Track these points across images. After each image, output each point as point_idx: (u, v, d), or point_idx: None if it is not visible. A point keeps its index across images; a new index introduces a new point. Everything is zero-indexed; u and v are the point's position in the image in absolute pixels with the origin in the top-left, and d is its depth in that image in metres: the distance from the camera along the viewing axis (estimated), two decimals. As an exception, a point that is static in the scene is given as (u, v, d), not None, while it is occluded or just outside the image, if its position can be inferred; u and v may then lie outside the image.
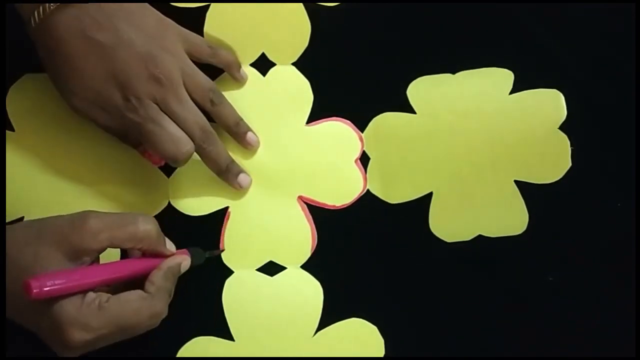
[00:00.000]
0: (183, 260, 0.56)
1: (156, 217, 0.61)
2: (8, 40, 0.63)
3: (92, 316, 0.49)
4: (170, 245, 0.56)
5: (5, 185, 0.61)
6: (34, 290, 0.46)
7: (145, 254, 0.54)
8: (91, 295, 0.50)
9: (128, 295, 0.51)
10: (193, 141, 0.59)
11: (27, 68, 0.64)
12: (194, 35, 0.62)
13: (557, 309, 0.63)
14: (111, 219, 0.51)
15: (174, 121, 0.58)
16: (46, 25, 0.56)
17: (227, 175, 0.62)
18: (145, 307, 0.51)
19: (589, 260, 0.64)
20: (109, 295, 0.50)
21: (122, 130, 0.60)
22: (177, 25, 0.61)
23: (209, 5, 0.66)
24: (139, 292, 0.51)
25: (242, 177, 0.63)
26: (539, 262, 0.64)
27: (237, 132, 0.63)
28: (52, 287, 0.47)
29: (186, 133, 0.58)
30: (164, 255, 0.55)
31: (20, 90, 0.63)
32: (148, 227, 0.53)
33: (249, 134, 0.63)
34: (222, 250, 0.62)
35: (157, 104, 0.57)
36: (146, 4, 0.60)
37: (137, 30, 0.57)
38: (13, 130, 0.63)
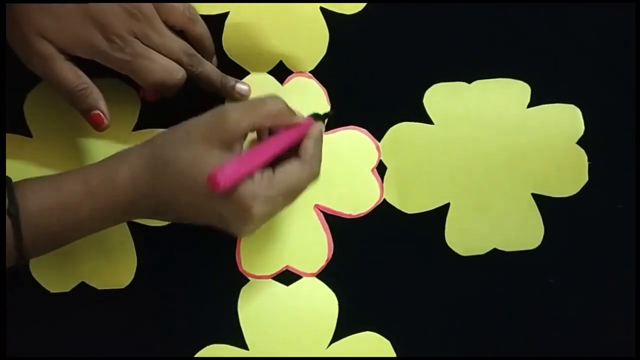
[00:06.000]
0: (321, 127, 0.58)
1: (173, 224, 0.62)
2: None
3: (268, 189, 0.52)
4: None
5: (6, 185, 0.60)
6: (222, 183, 0.49)
7: (281, 129, 0.57)
8: (259, 173, 0.53)
9: (290, 167, 0.54)
10: (182, 67, 0.59)
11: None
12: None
13: (558, 311, 0.64)
14: (245, 105, 0.55)
15: (159, 53, 0.58)
16: None
17: (225, 89, 0.62)
18: (306, 172, 0.55)
19: (599, 269, 0.64)
20: (273, 169, 0.54)
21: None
22: None
23: (227, 13, 0.66)
24: (297, 161, 0.55)
25: (239, 86, 0.63)
26: (553, 277, 0.64)
27: (211, 50, 0.63)
28: (235, 176, 0.50)
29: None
30: (298, 126, 0.57)
31: (38, 96, 0.63)
32: (279, 103, 0.56)
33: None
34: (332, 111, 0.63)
35: (138, 40, 0.57)
36: None
37: None
38: (31, 136, 0.63)
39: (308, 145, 0.56)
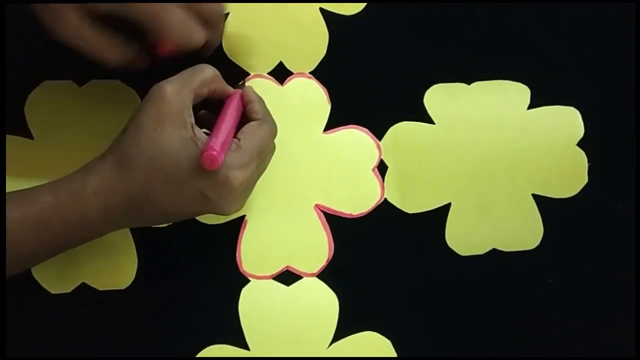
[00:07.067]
0: (252, 89, 0.59)
1: (173, 225, 0.62)
2: (26, 47, 0.63)
3: (239, 156, 0.53)
4: None
5: (6, 185, 0.60)
6: (220, 159, 0.50)
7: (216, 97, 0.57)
8: None
9: (250, 129, 0.56)
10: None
11: (45, 75, 0.64)
12: None
13: (558, 311, 0.64)
14: (180, 77, 0.54)
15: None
16: None
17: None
18: (266, 129, 0.57)
19: (598, 269, 0.65)
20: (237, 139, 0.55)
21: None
22: None
23: (227, 14, 0.66)
24: (254, 122, 0.56)
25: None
26: (553, 277, 0.64)
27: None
28: (223, 149, 0.52)
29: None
30: (231, 93, 0.58)
31: (39, 97, 0.63)
32: (211, 69, 0.56)
33: None
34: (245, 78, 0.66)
35: None
36: None
37: None
38: (32, 138, 0.63)
39: (255, 107, 0.57)
